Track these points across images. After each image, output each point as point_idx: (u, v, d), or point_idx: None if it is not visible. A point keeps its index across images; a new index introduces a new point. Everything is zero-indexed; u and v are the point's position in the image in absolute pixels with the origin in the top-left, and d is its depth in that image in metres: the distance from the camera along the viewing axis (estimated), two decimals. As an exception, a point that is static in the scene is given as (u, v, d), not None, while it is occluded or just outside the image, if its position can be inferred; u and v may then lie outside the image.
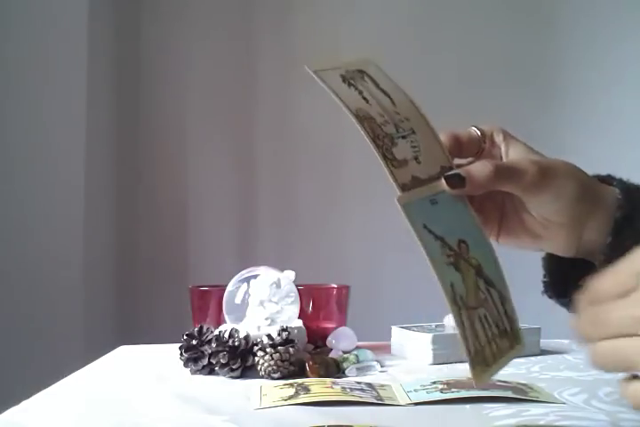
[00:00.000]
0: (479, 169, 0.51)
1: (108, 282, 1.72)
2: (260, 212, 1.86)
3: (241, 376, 0.76)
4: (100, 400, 0.65)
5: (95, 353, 0.91)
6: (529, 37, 1.86)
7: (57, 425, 0.57)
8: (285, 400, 0.62)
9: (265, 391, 0.67)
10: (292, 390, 0.65)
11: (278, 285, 0.87)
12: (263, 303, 0.86)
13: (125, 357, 0.91)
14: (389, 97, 0.50)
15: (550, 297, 0.58)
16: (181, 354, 0.79)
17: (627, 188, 0.53)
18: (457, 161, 0.54)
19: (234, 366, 0.76)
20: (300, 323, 0.87)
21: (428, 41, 1.86)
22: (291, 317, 0.87)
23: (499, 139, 0.57)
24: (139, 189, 1.81)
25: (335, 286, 0.98)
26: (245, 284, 0.88)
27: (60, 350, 1.43)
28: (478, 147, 0.57)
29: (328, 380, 0.70)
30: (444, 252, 0.47)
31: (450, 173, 0.51)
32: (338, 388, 0.65)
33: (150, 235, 1.81)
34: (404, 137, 0.50)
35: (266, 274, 0.88)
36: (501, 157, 0.56)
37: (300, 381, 0.69)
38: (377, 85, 0.50)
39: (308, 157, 1.86)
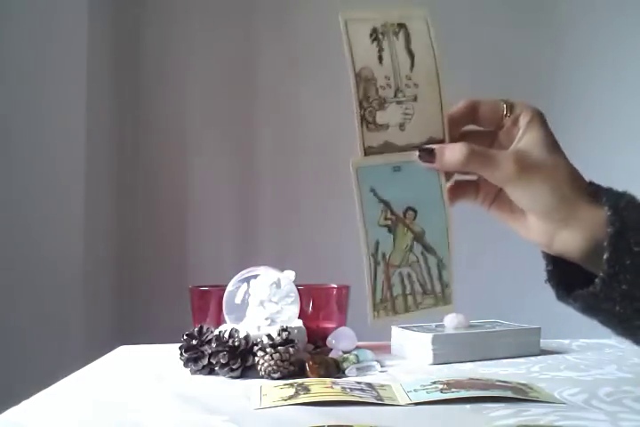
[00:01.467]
0: (452, 152, 0.53)
1: (108, 282, 1.72)
2: (259, 212, 1.86)
3: (241, 376, 0.76)
4: (99, 400, 0.65)
5: (95, 353, 0.91)
6: (528, 38, 1.86)
7: (57, 425, 0.57)
8: (285, 400, 0.62)
9: (265, 391, 0.67)
10: (292, 390, 0.65)
11: (278, 285, 0.87)
12: (263, 303, 0.86)
13: (125, 357, 0.91)
14: (412, 59, 0.52)
15: (553, 286, 0.58)
16: (181, 354, 0.79)
17: (616, 204, 0.53)
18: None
19: (234, 366, 0.76)
20: (299, 323, 0.87)
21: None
22: (291, 317, 0.87)
23: (524, 121, 0.56)
24: (139, 189, 1.81)
25: (335, 286, 0.98)
26: (245, 284, 0.88)
27: (60, 350, 1.43)
28: (499, 121, 0.57)
29: (328, 380, 0.70)
30: (383, 215, 0.52)
31: (425, 146, 0.53)
32: (338, 388, 0.65)
33: (150, 235, 1.81)
34: (399, 102, 0.52)
35: (266, 274, 0.88)
36: (518, 139, 0.56)
37: (299, 381, 0.69)
38: (408, 44, 0.52)
39: (308, 156, 1.86)
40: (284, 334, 0.77)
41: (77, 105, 1.55)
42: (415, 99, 0.52)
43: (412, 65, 0.52)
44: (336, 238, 1.84)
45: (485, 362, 0.84)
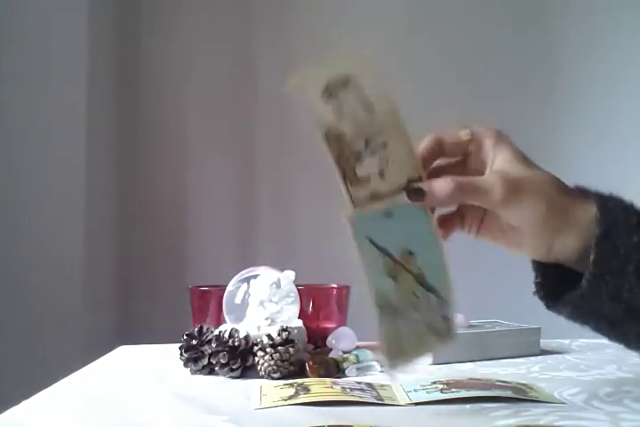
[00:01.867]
0: (441, 185, 0.53)
1: (108, 282, 1.72)
2: (260, 212, 1.86)
3: (241, 376, 0.76)
4: (100, 400, 0.65)
5: (95, 353, 0.91)
6: (528, 40, 1.86)
7: (57, 425, 0.57)
8: (285, 400, 0.62)
9: (265, 391, 0.67)
10: (291, 390, 0.65)
11: (278, 285, 0.87)
12: (263, 303, 0.86)
13: (125, 357, 0.91)
14: (369, 107, 0.52)
15: (541, 298, 0.59)
16: (181, 354, 0.79)
17: (604, 205, 0.53)
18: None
19: (234, 366, 0.76)
20: (300, 323, 0.87)
21: (427, 41, 1.86)
22: (291, 317, 0.87)
23: (489, 144, 0.57)
24: (139, 189, 1.81)
25: (335, 285, 0.98)
26: (245, 284, 0.88)
27: (60, 350, 1.43)
28: (465, 149, 0.58)
29: (328, 380, 0.70)
30: (383, 263, 0.52)
31: (412, 186, 0.53)
32: (338, 388, 0.65)
33: (150, 235, 1.81)
34: (372, 152, 0.52)
35: (266, 274, 0.88)
36: (491, 162, 0.57)
37: (299, 381, 0.69)
38: (359, 94, 0.52)
39: (307, 156, 1.86)
40: (284, 334, 0.77)
41: (77, 105, 1.55)
42: (385, 145, 0.52)
43: (372, 112, 0.52)
44: (336, 238, 1.84)
45: (485, 362, 0.84)
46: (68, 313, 1.50)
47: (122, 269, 1.77)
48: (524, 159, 0.56)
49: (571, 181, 0.58)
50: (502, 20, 1.87)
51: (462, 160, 0.59)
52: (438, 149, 0.58)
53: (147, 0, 1.84)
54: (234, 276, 0.90)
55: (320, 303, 0.95)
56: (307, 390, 0.64)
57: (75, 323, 1.51)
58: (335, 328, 0.91)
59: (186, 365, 0.79)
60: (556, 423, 0.54)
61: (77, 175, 1.55)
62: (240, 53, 1.86)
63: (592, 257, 0.52)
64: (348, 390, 0.64)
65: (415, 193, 0.53)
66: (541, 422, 0.54)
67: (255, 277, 0.88)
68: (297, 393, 0.64)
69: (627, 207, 0.54)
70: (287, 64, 1.85)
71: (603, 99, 1.81)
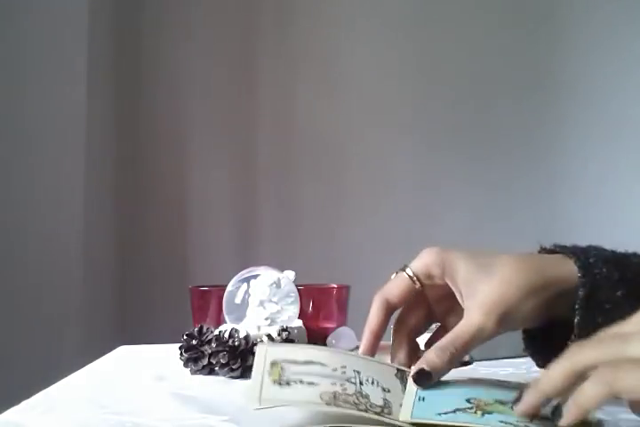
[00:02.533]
0: (436, 361, 0.52)
1: (108, 282, 1.72)
2: (260, 211, 1.86)
3: (241, 376, 0.76)
4: (100, 400, 0.65)
5: (95, 353, 0.91)
6: (531, 40, 1.86)
7: (57, 425, 0.57)
8: None
9: None
10: None
11: (278, 285, 0.87)
12: (263, 303, 0.86)
13: (125, 357, 0.91)
14: (315, 363, 0.52)
15: (531, 356, 0.59)
16: (181, 354, 0.79)
17: (585, 263, 0.52)
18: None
19: (234, 366, 0.76)
20: (300, 323, 0.87)
21: (427, 40, 1.86)
22: (291, 317, 0.87)
23: (438, 276, 0.55)
24: (139, 189, 1.81)
25: (335, 285, 0.98)
26: (245, 284, 0.88)
27: (60, 350, 1.43)
28: (412, 295, 0.57)
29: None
30: None
31: (415, 373, 0.52)
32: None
33: (150, 235, 1.81)
34: (361, 382, 0.51)
35: (266, 274, 0.88)
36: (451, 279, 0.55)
37: None
38: (297, 363, 0.52)
39: (307, 156, 1.86)
40: (284, 334, 0.77)
41: (77, 105, 1.55)
42: (359, 371, 0.52)
43: (322, 364, 0.52)
44: (336, 238, 1.84)
45: (485, 362, 0.84)
46: (68, 313, 1.50)
47: (122, 269, 1.77)
48: (479, 265, 0.54)
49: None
50: (502, 19, 1.87)
51: (416, 315, 0.59)
52: (388, 311, 0.58)
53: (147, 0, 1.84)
54: (234, 276, 0.90)
55: (320, 303, 0.95)
56: None
57: (75, 323, 1.51)
58: (335, 328, 0.91)
59: (186, 365, 0.79)
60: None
61: (77, 175, 1.55)
62: (241, 54, 1.86)
63: (576, 320, 0.51)
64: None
65: (421, 377, 0.52)
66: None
67: (255, 277, 0.88)
68: None
69: (607, 260, 0.52)
70: (288, 64, 1.85)
71: (607, 98, 1.81)
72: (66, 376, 0.76)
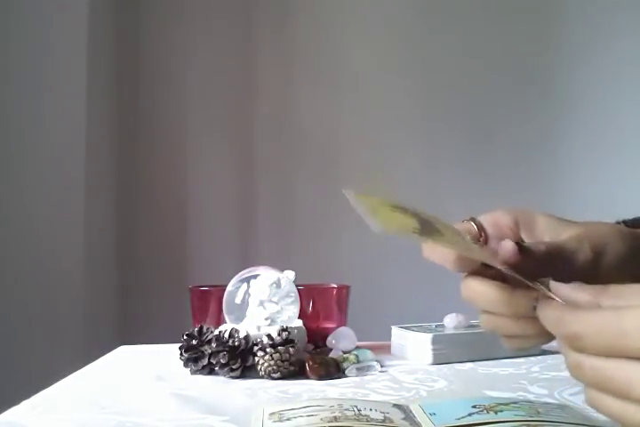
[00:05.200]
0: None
1: (108, 282, 1.72)
2: (259, 212, 1.86)
3: (241, 376, 0.76)
4: (99, 400, 0.65)
5: (95, 353, 0.91)
6: (529, 40, 1.86)
7: (57, 425, 0.57)
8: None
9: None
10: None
11: (278, 285, 0.87)
12: (263, 303, 0.86)
13: (125, 357, 0.91)
14: (313, 405, 0.54)
15: None
16: (181, 354, 0.79)
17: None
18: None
19: (234, 366, 0.76)
20: (300, 323, 0.87)
21: (427, 40, 1.86)
22: (291, 317, 0.87)
23: (507, 226, 0.50)
24: (139, 189, 1.81)
25: (335, 285, 0.98)
26: (245, 284, 0.88)
27: (60, 350, 1.43)
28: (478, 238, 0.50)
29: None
30: None
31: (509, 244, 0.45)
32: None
33: (150, 235, 1.81)
34: (359, 410, 0.52)
35: (266, 274, 0.88)
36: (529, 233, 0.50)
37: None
38: (294, 409, 0.54)
39: (307, 156, 1.86)
40: (284, 334, 0.77)
41: (78, 104, 1.55)
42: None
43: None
44: (336, 238, 1.84)
45: (485, 362, 0.84)
46: (69, 313, 1.50)
47: (122, 269, 1.78)
48: (560, 222, 0.50)
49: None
50: (502, 19, 1.87)
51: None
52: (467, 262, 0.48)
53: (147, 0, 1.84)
54: (234, 276, 0.90)
55: (320, 303, 0.95)
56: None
57: (75, 323, 1.51)
58: (335, 328, 0.91)
59: (186, 365, 0.79)
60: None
61: (77, 175, 1.55)
62: (240, 53, 1.86)
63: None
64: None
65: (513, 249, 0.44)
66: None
67: (255, 277, 0.88)
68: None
69: None
70: (287, 63, 1.85)
71: (602, 99, 1.81)
72: (66, 376, 0.76)
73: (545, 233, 0.49)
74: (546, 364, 0.83)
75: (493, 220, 0.50)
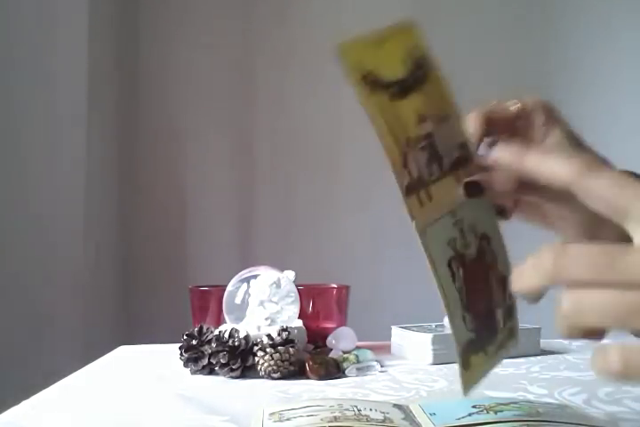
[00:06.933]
0: (501, 182, 0.46)
1: (108, 282, 1.72)
2: (259, 211, 1.86)
3: (241, 376, 0.76)
4: (100, 400, 0.65)
5: (95, 353, 0.91)
6: (526, 38, 1.86)
7: (57, 425, 0.57)
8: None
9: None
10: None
11: (278, 285, 0.87)
12: (263, 303, 0.86)
13: (125, 357, 0.91)
14: (312, 405, 0.54)
15: None
16: (181, 354, 0.79)
17: None
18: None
19: (234, 366, 0.76)
20: (300, 323, 0.87)
21: (427, 39, 1.86)
22: (291, 317, 0.87)
23: (539, 122, 0.51)
24: (139, 189, 1.81)
25: (335, 285, 0.98)
26: (245, 284, 0.88)
27: (60, 350, 1.43)
28: (511, 127, 0.51)
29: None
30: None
31: (468, 180, 0.46)
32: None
33: (150, 234, 1.81)
34: (359, 410, 0.52)
35: (266, 274, 0.88)
36: (539, 143, 0.51)
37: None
38: (294, 409, 0.53)
39: (307, 156, 1.86)
40: (284, 334, 0.77)
41: (78, 103, 1.55)
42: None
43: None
44: (336, 238, 1.84)
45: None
46: (68, 313, 1.50)
47: (122, 268, 1.78)
48: (577, 142, 0.51)
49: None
50: (502, 19, 1.87)
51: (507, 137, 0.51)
52: (486, 128, 0.50)
53: (147, 0, 1.84)
54: (234, 276, 0.90)
55: (320, 303, 0.95)
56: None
57: (75, 323, 1.51)
58: (335, 328, 0.91)
59: (186, 365, 0.79)
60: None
61: (77, 175, 1.55)
62: (240, 52, 1.86)
63: None
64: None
65: (473, 190, 0.46)
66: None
67: (255, 277, 0.88)
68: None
69: None
70: (286, 64, 1.85)
71: (600, 96, 1.81)
72: (66, 376, 0.76)
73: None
74: (546, 364, 0.83)
75: (527, 115, 0.51)
